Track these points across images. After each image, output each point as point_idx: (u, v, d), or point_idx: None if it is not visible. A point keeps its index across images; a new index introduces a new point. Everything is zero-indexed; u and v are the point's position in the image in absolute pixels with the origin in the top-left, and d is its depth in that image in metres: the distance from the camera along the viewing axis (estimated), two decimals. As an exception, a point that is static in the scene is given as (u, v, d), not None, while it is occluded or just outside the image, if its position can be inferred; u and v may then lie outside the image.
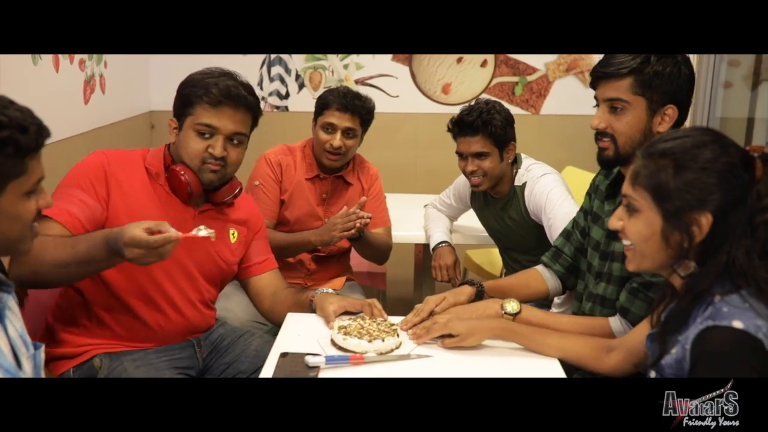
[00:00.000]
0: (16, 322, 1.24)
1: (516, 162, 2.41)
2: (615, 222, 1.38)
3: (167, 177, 1.82)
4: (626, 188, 1.35)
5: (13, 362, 1.18)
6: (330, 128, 2.44)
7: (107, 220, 1.74)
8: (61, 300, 1.84)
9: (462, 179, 2.62)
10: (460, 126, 2.33)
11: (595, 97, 1.76)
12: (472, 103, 2.37)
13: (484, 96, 2.45)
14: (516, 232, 2.42)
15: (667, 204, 1.28)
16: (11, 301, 1.23)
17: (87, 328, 1.80)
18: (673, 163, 1.27)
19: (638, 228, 1.33)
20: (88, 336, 1.80)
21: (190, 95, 1.80)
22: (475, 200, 2.58)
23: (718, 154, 1.25)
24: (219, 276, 1.97)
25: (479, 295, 1.94)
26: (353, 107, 2.43)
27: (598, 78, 1.74)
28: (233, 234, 1.98)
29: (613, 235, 1.78)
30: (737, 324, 1.17)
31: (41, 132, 1.16)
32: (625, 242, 1.38)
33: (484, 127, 2.29)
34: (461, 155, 2.38)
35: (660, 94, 1.68)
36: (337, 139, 2.43)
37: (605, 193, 1.87)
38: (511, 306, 1.80)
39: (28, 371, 1.22)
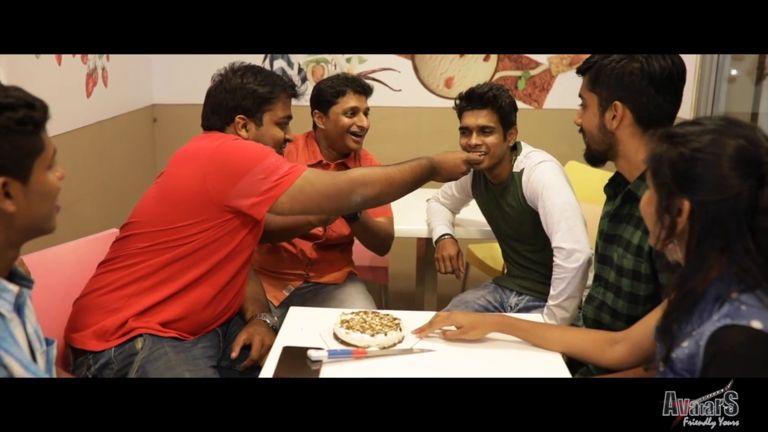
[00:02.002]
0: (32, 317, 1.25)
1: (516, 149, 2.42)
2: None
3: None
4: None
5: (29, 357, 1.19)
6: (351, 112, 2.54)
7: None
8: (126, 276, 1.86)
9: None
10: (470, 98, 2.35)
11: None
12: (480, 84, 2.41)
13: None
14: (514, 219, 2.42)
15: (657, 180, 1.29)
16: (27, 307, 1.24)
17: (147, 308, 1.85)
18: (673, 145, 1.27)
19: (644, 203, 1.36)
20: (139, 317, 1.84)
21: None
22: (475, 187, 2.58)
23: (709, 143, 1.23)
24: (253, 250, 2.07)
25: None
26: (365, 88, 2.59)
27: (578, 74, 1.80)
28: None
29: (610, 239, 1.78)
30: (756, 324, 1.15)
31: (44, 105, 1.17)
32: None
33: (494, 101, 2.31)
34: (465, 130, 2.37)
35: (607, 90, 1.69)
36: (364, 121, 2.57)
37: (606, 194, 1.87)
38: None
39: (41, 366, 1.23)
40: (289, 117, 2.05)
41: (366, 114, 2.58)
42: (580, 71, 1.77)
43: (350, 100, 2.53)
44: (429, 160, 1.99)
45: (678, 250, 1.30)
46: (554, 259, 2.17)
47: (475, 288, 2.64)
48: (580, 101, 1.79)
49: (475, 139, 2.32)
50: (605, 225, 1.83)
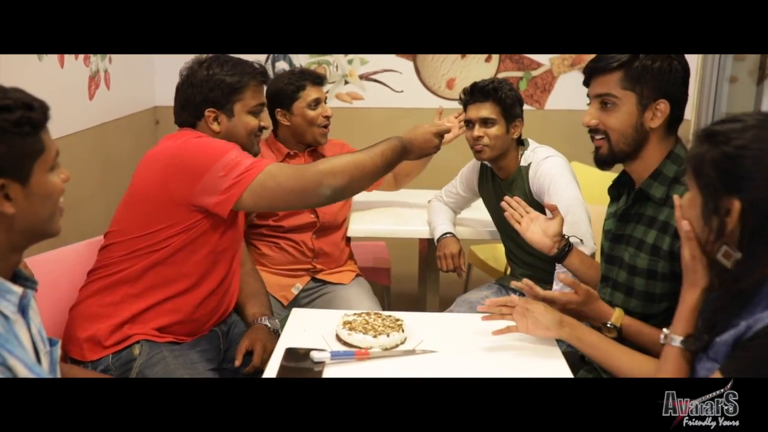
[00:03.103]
0: (36, 319, 1.25)
1: (523, 144, 2.46)
2: (681, 199, 1.38)
3: None
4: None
5: (34, 358, 1.19)
6: (315, 103, 2.62)
7: None
8: (118, 286, 1.86)
9: (468, 166, 2.66)
10: (472, 92, 2.41)
11: (588, 95, 1.74)
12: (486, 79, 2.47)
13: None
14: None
15: (701, 182, 1.26)
16: (31, 308, 1.24)
17: (137, 314, 1.84)
18: (714, 144, 1.24)
19: (686, 205, 1.33)
20: (133, 323, 1.84)
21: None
22: (482, 183, 2.59)
23: (753, 140, 1.21)
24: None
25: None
26: (321, 79, 2.69)
27: (589, 74, 1.73)
28: None
29: (618, 239, 1.78)
30: None
31: (44, 105, 1.17)
32: None
33: (494, 93, 2.37)
34: (469, 123, 2.42)
35: (650, 89, 1.65)
36: (328, 109, 2.65)
37: (610, 195, 1.85)
38: (614, 317, 1.69)
39: (45, 367, 1.23)
40: (262, 104, 2.01)
41: (325, 102, 2.68)
42: (607, 69, 1.67)
43: (311, 93, 2.61)
44: (399, 140, 1.93)
45: (731, 252, 1.26)
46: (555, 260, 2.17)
47: (479, 288, 2.64)
48: (587, 102, 1.74)
49: (477, 131, 2.37)
50: (612, 225, 1.81)
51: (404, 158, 1.97)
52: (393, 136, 1.94)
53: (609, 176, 1.91)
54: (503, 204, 2.10)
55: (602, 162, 1.74)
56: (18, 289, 1.16)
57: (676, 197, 1.40)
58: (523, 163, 2.41)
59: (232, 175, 1.76)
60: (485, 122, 2.37)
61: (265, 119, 2.01)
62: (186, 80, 1.95)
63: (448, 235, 2.60)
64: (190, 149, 1.81)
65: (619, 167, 1.78)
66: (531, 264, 2.48)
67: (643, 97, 1.66)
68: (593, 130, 1.73)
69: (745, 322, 1.20)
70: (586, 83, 1.75)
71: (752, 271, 1.22)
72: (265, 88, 2.04)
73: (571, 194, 2.23)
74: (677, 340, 1.34)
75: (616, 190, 1.83)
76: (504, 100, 2.37)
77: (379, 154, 1.86)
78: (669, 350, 1.36)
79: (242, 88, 1.93)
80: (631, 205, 1.74)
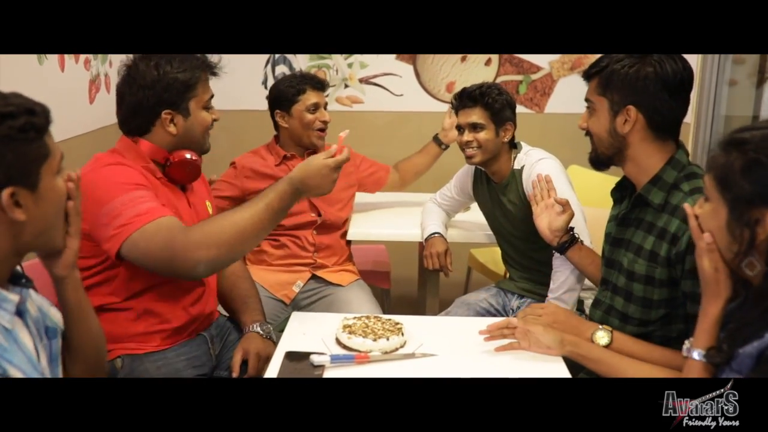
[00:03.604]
0: (35, 314, 1.25)
1: (516, 147, 2.46)
2: (696, 209, 1.36)
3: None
4: (705, 175, 1.33)
5: (36, 358, 1.19)
6: (313, 107, 2.66)
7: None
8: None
9: (462, 170, 2.66)
10: (461, 97, 2.42)
11: None
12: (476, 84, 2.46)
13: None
14: (515, 216, 2.43)
15: (730, 195, 1.24)
16: (29, 298, 1.24)
17: (117, 326, 1.79)
18: (743, 153, 1.22)
19: (706, 216, 1.31)
20: (112, 338, 1.78)
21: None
22: (477, 187, 2.59)
23: None
24: None
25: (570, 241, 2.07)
26: (322, 84, 2.72)
27: (583, 79, 1.78)
28: (209, 205, 2.03)
29: (618, 243, 1.78)
30: None
31: (45, 109, 1.17)
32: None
33: (482, 98, 2.37)
34: (460, 129, 2.43)
35: (619, 95, 1.66)
36: (326, 114, 2.68)
37: (612, 197, 1.85)
38: (602, 337, 1.69)
39: (43, 361, 1.23)
40: (212, 96, 1.91)
41: (325, 108, 2.70)
42: (588, 75, 1.75)
43: (311, 97, 2.65)
44: (290, 183, 1.67)
45: (756, 263, 1.24)
46: (554, 251, 2.18)
47: (478, 291, 2.65)
48: (584, 105, 1.78)
49: (467, 136, 2.38)
50: (612, 228, 1.82)
51: (298, 200, 1.73)
52: (283, 179, 1.69)
53: (608, 179, 1.92)
54: (533, 181, 2.17)
55: (592, 163, 1.79)
56: (14, 297, 1.15)
57: (687, 206, 1.38)
58: (516, 166, 2.41)
59: (113, 224, 1.63)
60: (474, 127, 2.37)
61: (216, 111, 1.92)
62: (133, 82, 1.80)
63: (435, 234, 2.61)
64: (89, 183, 1.60)
65: (619, 170, 1.79)
66: (528, 267, 2.49)
67: (614, 103, 1.68)
68: (587, 133, 1.78)
69: None
70: None
71: None
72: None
73: (566, 196, 2.24)
74: (700, 354, 1.33)
75: (618, 193, 1.84)
76: (492, 104, 2.36)
77: (264, 209, 1.64)
78: (691, 363, 1.33)
79: (195, 84, 1.83)
80: (630, 209, 1.74)
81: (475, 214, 2.76)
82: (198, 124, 1.85)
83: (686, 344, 1.37)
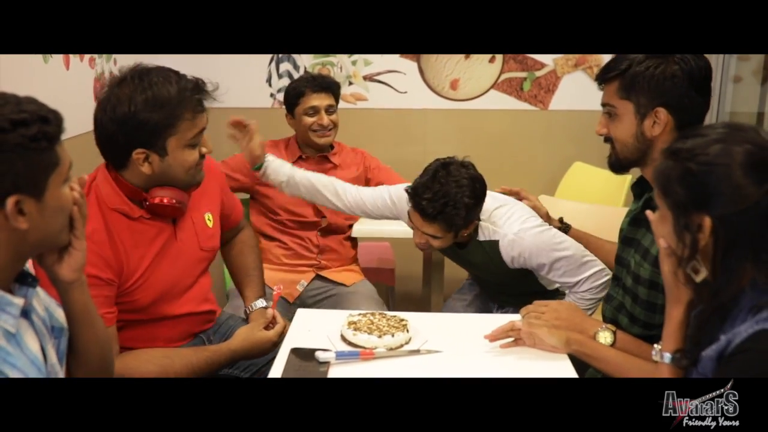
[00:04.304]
0: (42, 313, 1.25)
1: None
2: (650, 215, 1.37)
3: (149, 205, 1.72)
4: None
5: (41, 359, 1.19)
6: (312, 111, 2.65)
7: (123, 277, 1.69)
8: None
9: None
10: (417, 207, 2.00)
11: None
12: (435, 187, 1.97)
13: (452, 160, 2.03)
14: (492, 272, 2.21)
15: (670, 201, 1.26)
16: (35, 296, 1.23)
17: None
18: (677, 161, 1.24)
19: (656, 222, 1.33)
20: None
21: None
22: None
23: (717, 154, 1.20)
24: (209, 264, 1.96)
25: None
26: (326, 85, 2.68)
27: (599, 83, 1.72)
28: (209, 218, 1.93)
29: (629, 242, 1.77)
30: None
31: (58, 117, 1.16)
32: None
33: (439, 218, 1.97)
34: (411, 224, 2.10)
35: (646, 97, 1.61)
36: (324, 118, 2.66)
37: (633, 192, 1.83)
38: (605, 338, 1.69)
39: (52, 359, 1.23)
40: (202, 130, 1.70)
41: (329, 110, 2.67)
42: (604, 78, 1.68)
43: (309, 100, 2.65)
44: (231, 356, 1.80)
45: (702, 266, 1.26)
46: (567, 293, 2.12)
47: (460, 291, 2.59)
48: (601, 108, 1.73)
49: (419, 237, 2.09)
50: (625, 225, 1.81)
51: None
52: (227, 350, 1.79)
53: (612, 177, 1.91)
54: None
55: (613, 168, 1.74)
56: (19, 301, 1.15)
57: (649, 213, 1.39)
58: (481, 237, 2.12)
59: None
60: (432, 236, 2.05)
61: (207, 143, 1.73)
62: (104, 113, 1.63)
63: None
64: None
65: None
66: (510, 298, 2.33)
67: (640, 106, 1.62)
68: (606, 139, 1.72)
69: (725, 336, 1.20)
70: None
71: (729, 285, 1.22)
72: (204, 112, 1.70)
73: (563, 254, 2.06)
74: (667, 357, 1.35)
75: (639, 188, 1.80)
76: (454, 225, 1.99)
77: (196, 370, 1.72)
78: (661, 366, 1.36)
79: (173, 123, 1.62)
80: (641, 210, 1.72)
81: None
82: (177, 166, 1.68)
83: (656, 347, 1.39)
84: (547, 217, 2.20)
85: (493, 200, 2.12)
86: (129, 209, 1.70)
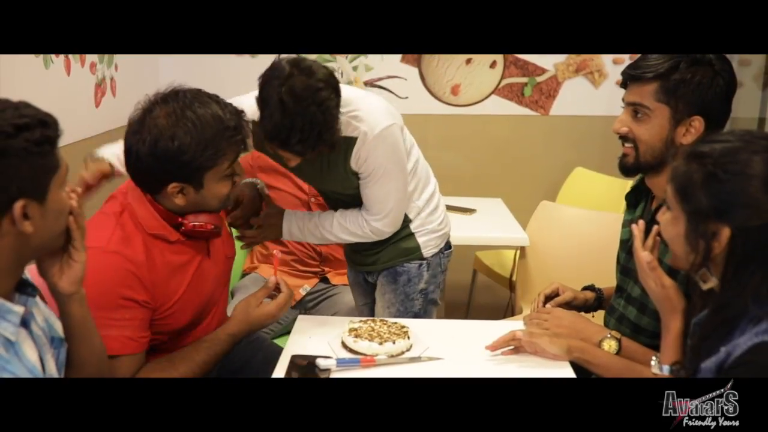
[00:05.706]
0: (41, 323, 1.25)
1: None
2: (658, 217, 1.35)
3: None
4: (667, 184, 1.32)
5: (40, 368, 1.19)
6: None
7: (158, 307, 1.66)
8: None
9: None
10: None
11: (622, 99, 1.67)
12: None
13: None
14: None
15: (689, 206, 1.24)
16: (35, 306, 1.24)
17: None
18: (702, 165, 1.22)
19: (666, 224, 1.32)
20: None
21: None
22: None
23: (748, 164, 1.18)
24: (231, 272, 1.96)
25: (598, 301, 1.94)
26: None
27: (626, 79, 1.65)
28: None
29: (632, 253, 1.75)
30: None
31: (55, 120, 1.17)
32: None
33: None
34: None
35: (685, 104, 1.56)
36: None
37: (627, 201, 1.81)
38: (610, 345, 1.65)
39: (51, 371, 1.23)
40: (237, 158, 1.65)
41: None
42: (638, 77, 1.60)
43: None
44: (231, 341, 1.72)
45: (712, 275, 1.25)
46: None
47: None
48: (625, 108, 1.66)
49: None
50: (627, 235, 1.77)
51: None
52: (224, 337, 1.71)
53: (614, 183, 1.90)
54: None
55: (627, 170, 1.68)
56: (19, 309, 1.15)
57: (634, 227, 1.38)
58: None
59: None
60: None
61: (240, 169, 1.68)
62: (141, 143, 1.53)
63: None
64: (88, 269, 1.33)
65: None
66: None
67: (677, 112, 1.57)
68: (623, 137, 1.66)
69: (725, 348, 1.19)
70: (624, 86, 1.67)
71: (739, 297, 1.21)
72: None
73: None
74: (666, 369, 1.34)
75: (633, 197, 1.78)
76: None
77: (201, 365, 1.67)
78: (660, 377, 1.36)
79: (217, 163, 1.58)
80: (651, 220, 1.63)
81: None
82: (211, 197, 1.63)
83: (654, 359, 1.38)
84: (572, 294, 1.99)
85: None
86: (168, 233, 1.66)
